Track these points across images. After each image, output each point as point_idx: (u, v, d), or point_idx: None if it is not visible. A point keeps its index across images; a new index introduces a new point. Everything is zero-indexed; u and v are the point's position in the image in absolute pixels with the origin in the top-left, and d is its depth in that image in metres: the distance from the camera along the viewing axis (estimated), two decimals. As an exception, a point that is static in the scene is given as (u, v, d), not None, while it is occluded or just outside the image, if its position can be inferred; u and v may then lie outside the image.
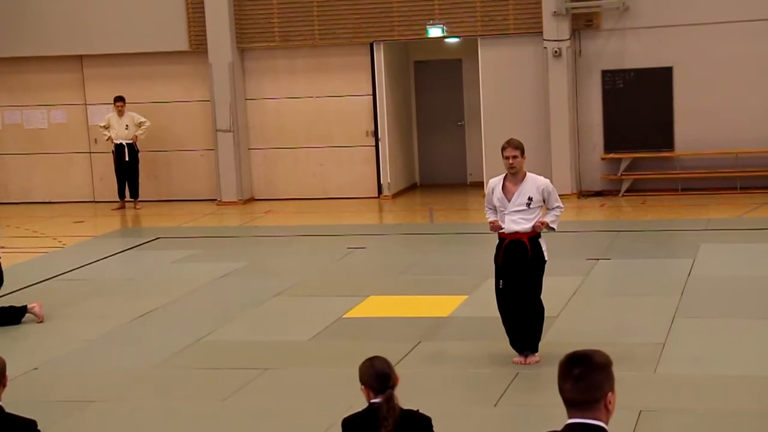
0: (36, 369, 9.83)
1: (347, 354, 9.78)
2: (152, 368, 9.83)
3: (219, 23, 19.78)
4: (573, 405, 3.72)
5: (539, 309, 9.29)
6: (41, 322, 11.48)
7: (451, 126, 21.36)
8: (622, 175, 19.03)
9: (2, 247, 13.23)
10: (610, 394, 3.74)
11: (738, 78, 18.44)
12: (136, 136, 19.94)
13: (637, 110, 18.91)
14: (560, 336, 9.88)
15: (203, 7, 19.82)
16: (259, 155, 20.51)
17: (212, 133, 20.25)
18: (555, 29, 18.72)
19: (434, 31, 19.37)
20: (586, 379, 3.70)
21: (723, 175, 18.60)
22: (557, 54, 18.67)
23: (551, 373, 9.11)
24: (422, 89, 21.50)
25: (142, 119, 19.92)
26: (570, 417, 3.75)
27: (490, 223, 9.31)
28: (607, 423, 3.74)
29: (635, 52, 18.77)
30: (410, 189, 21.14)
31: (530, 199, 9.15)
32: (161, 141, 20.64)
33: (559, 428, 3.80)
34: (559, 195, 9.57)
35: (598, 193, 19.14)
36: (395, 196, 20.23)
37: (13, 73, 21.14)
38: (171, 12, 20.10)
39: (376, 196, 20.14)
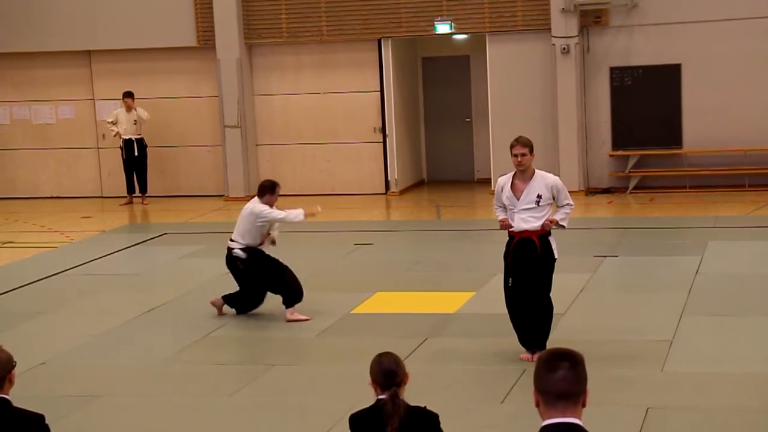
0: (44, 364, 9.84)
1: (354, 350, 9.78)
2: (159, 364, 9.84)
3: (227, 19, 19.78)
4: (560, 398, 3.74)
5: (548, 307, 9.28)
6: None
7: (458, 122, 21.33)
8: (629, 172, 18.99)
9: (10, 242, 13.25)
10: (587, 389, 3.80)
11: (746, 75, 18.39)
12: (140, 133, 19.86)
13: (646, 107, 18.86)
14: (567, 333, 9.86)
15: (211, 3, 19.82)
16: (266, 151, 20.51)
17: (219, 129, 20.25)
18: (563, 26, 18.69)
19: (442, 28, 19.35)
20: (575, 370, 3.76)
21: (731, 173, 18.55)
22: (565, 51, 18.64)
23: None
24: (430, 86, 21.47)
25: (143, 114, 19.68)
26: (548, 417, 3.76)
27: (500, 221, 9.29)
28: (580, 419, 3.78)
29: (643, 49, 18.73)
30: (417, 185, 21.11)
31: (539, 196, 9.12)
32: (168, 136, 20.64)
33: None
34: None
35: (606, 190, 19.10)
36: (402, 192, 20.21)
37: (22, 68, 21.15)
38: (179, 8, 20.10)
39: (384, 192, 20.12)
